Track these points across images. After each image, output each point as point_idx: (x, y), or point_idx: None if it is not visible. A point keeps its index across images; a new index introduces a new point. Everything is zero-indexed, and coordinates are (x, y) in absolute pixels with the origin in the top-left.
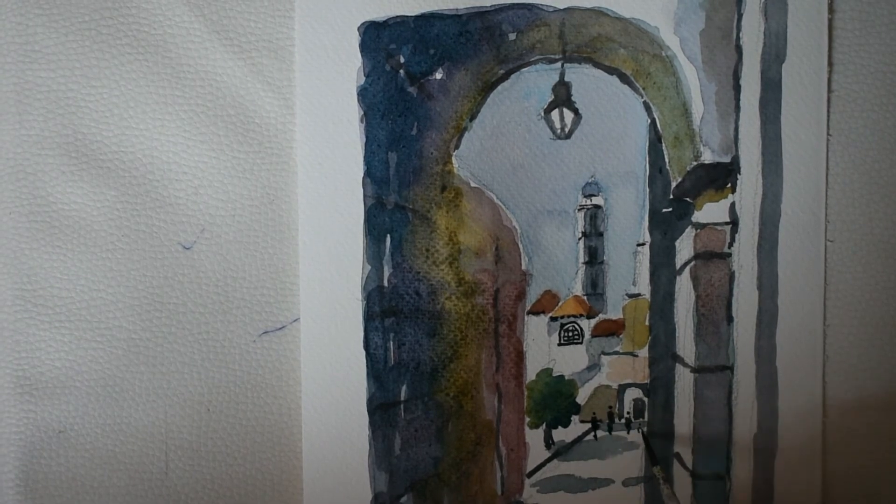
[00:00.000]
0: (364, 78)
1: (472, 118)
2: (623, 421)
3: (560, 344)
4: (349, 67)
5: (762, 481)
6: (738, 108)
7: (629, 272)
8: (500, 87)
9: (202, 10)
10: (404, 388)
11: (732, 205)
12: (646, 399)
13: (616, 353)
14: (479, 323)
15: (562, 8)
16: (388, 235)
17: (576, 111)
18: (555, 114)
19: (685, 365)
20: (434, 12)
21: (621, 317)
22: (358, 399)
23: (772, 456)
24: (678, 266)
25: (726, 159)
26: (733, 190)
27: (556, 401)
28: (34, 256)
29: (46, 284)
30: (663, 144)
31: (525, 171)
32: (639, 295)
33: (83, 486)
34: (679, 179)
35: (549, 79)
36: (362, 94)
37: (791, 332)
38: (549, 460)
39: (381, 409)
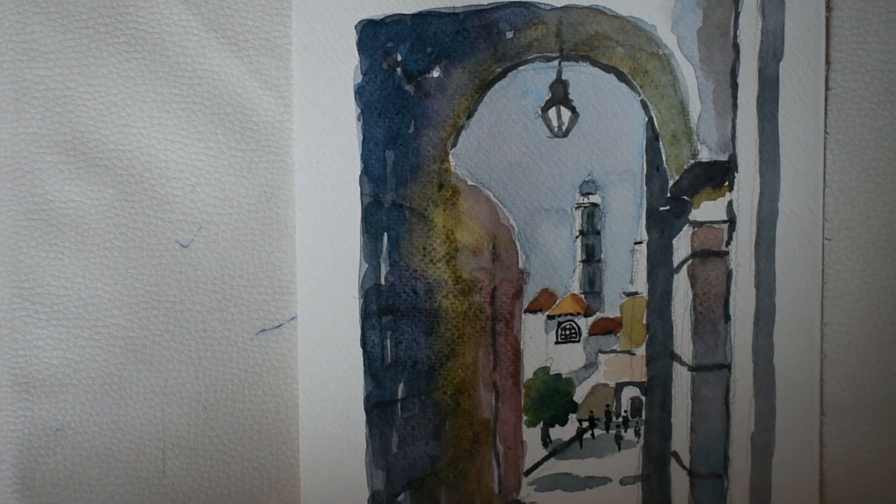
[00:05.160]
0: (361, 76)
1: (470, 116)
2: (620, 419)
3: (557, 342)
4: (346, 65)
5: (760, 480)
6: (735, 106)
7: (626, 270)
8: (497, 86)
9: (199, 9)
10: (401, 386)
11: (730, 203)
12: (643, 397)
13: (613, 351)
14: (476, 321)
15: (559, 6)
16: (385, 233)
17: (573, 109)
18: (552, 112)
19: (683, 363)
20: (431, 10)
21: (619, 315)
22: (355, 397)
23: (769, 454)
24: (676, 264)
25: (724, 157)
26: (731, 188)
27: (553, 399)
28: (31, 254)
29: (44, 282)
30: (661, 143)
31: (522, 170)
32: (636, 293)
33: (80, 483)
34: (676, 178)
35: (547, 77)
36: (359, 92)
37: (789, 330)
38: (546, 459)
39: (378, 408)
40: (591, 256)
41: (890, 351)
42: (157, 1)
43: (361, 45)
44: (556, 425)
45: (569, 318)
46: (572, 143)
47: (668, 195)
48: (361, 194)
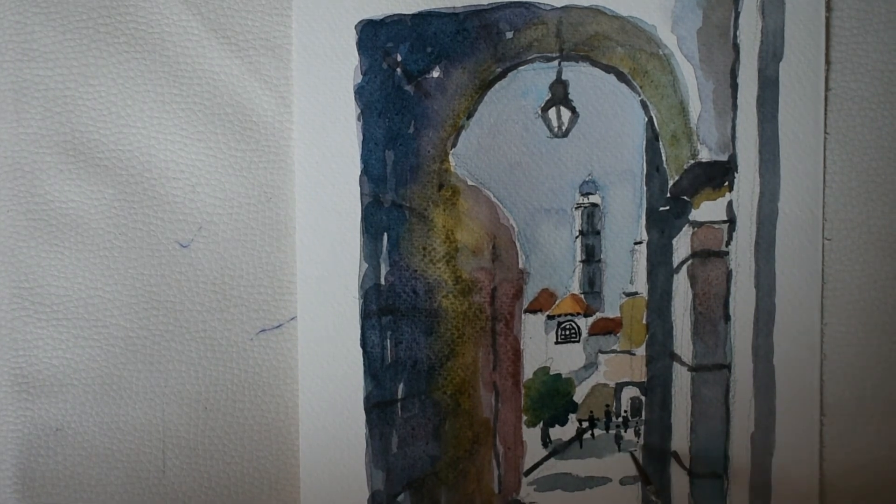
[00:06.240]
0: (361, 76)
1: (470, 116)
2: (620, 419)
3: (557, 342)
4: (346, 66)
5: (760, 480)
6: (735, 106)
7: (626, 271)
8: (497, 86)
9: (199, 9)
10: (401, 386)
11: (730, 203)
12: (643, 398)
13: (613, 351)
14: (476, 321)
15: (559, 6)
16: (385, 234)
17: (573, 109)
18: (552, 112)
19: (682, 363)
20: (431, 10)
21: (618, 315)
22: (355, 397)
23: (769, 454)
24: (676, 264)
25: (724, 158)
26: (731, 188)
27: (553, 399)
28: (32, 254)
29: (44, 282)
30: (661, 143)
31: (522, 170)
32: (636, 293)
33: (80, 483)
34: (676, 178)
35: (547, 77)
36: (359, 92)
37: (788, 330)
38: (546, 459)
39: (378, 408)
40: (591, 256)
41: (890, 351)
42: (157, 1)
43: (361, 46)
44: (556, 425)
45: (569, 318)
46: (572, 143)
47: (668, 195)
48: (361, 194)
